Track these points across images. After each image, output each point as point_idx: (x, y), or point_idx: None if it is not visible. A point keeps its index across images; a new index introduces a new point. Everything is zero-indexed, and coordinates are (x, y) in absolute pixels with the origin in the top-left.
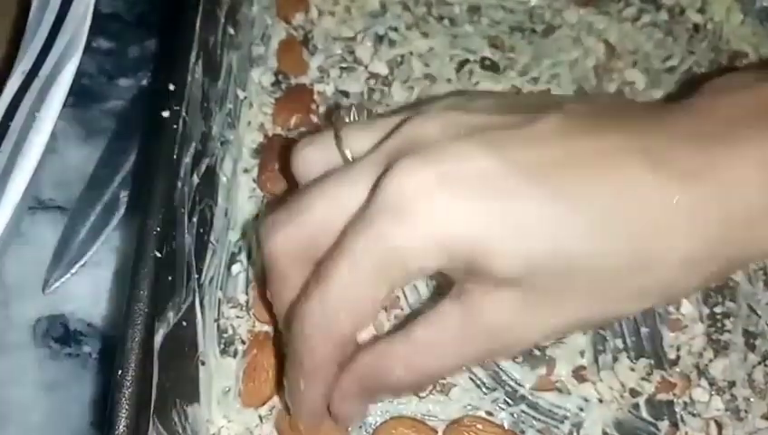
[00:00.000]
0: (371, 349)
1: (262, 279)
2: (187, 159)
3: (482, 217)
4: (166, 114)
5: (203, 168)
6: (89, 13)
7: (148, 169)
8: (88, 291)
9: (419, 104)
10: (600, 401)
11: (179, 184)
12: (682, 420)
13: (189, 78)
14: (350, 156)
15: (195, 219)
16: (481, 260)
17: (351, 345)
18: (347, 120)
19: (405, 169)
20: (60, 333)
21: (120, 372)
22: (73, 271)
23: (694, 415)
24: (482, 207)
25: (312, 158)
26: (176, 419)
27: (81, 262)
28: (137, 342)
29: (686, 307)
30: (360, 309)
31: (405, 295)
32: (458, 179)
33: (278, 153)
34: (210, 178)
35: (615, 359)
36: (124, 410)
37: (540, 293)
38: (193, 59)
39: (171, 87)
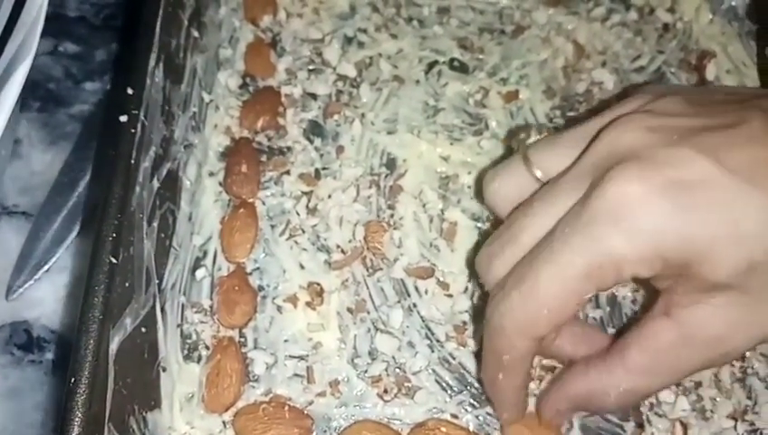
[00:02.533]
0: (584, 374)
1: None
2: (147, 164)
3: (701, 224)
4: (123, 118)
5: (164, 172)
6: (41, 16)
7: (105, 174)
8: (52, 297)
9: (599, 111)
10: None
11: (138, 189)
12: (648, 421)
13: (149, 81)
14: (540, 176)
15: (155, 224)
16: (697, 267)
17: (547, 341)
18: (529, 142)
19: (624, 176)
20: (23, 340)
21: (72, 380)
22: (37, 277)
23: (660, 415)
24: (702, 213)
25: (504, 187)
26: (134, 426)
27: (46, 268)
28: (90, 349)
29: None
30: (562, 308)
31: (371, 298)
32: (678, 186)
33: (245, 156)
34: (172, 182)
35: None
36: (77, 419)
37: (755, 294)
38: (153, 62)
39: (129, 91)
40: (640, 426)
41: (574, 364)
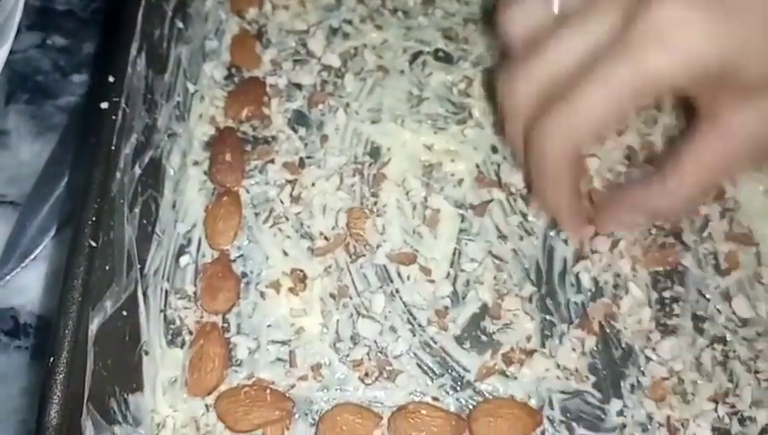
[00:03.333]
0: (645, 186)
1: None
2: (128, 151)
3: (739, 32)
4: (104, 105)
5: (146, 159)
6: (19, 5)
7: (85, 160)
8: (38, 284)
9: None
10: (547, 385)
11: (119, 175)
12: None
13: (130, 70)
14: (557, 10)
15: (137, 210)
16: (735, 74)
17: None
18: None
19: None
20: (10, 326)
21: (51, 359)
22: (24, 264)
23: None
24: (739, 20)
25: (521, 15)
26: (114, 407)
27: (32, 256)
28: (69, 330)
29: (635, 291)
30: (605, 123)
31: (354, 284)
32: (710, 3)
33: (230, 145)
34: (155, 169)
35: (561, 343)
36: (55, 397)
37: None
38: (134, 51)
39: (110, 79)
40: (620, 410)
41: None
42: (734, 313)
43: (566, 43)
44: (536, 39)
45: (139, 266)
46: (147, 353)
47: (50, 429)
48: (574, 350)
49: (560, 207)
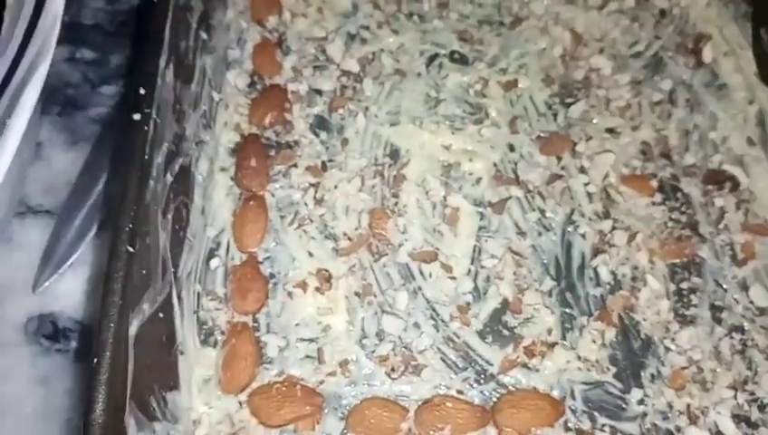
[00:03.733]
0: None
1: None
2: (159, 160)
3: None
4: (137, 117)
5: (176, 167)
6: (57, 23)
7: (120, 169)
8: (75, 289)
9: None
10: (569, 376)
11: (152, 183)
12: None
13: (159, 82)
14: None
15: (169, 216)
16: None
17: None
18: None
19: None
20: (50, 331)
21: (95, 360)
22: (61, 271)
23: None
24: None
25: None
26: (154, 405)
27: (69, 262)
28: (111, 331)
29: (653, 283)
30: None
31: (378, 282)
32: None
33: (254, 151)
34: (185, 176)
35: (581, 335)
36: (100, 396)
37: None
38: (163, 64)
39: (141, 91)
40: (641, 400)
41: None
42: (751, 302)
43: None
44: None
45: (173, 270)
46: (182, 353)
47: (96, 426)
48: (594, 341)
49: None
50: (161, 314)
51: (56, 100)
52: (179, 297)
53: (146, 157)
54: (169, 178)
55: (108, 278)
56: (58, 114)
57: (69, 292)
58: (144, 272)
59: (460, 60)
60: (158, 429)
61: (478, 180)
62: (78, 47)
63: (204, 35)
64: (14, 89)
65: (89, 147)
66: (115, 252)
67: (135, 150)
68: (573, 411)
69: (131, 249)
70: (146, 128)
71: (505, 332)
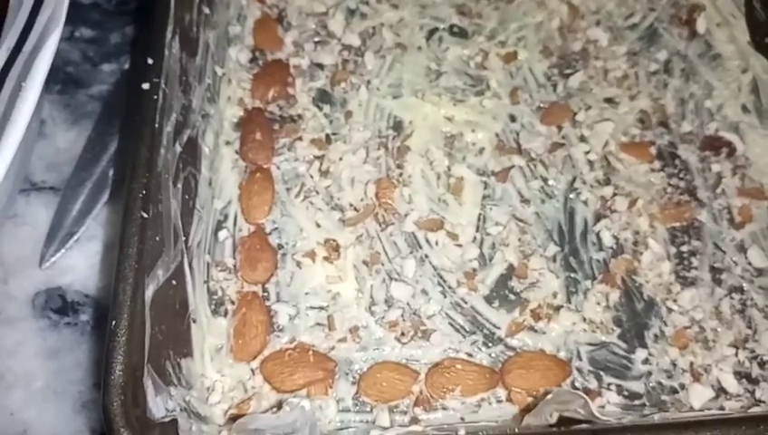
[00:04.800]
0: None
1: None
2: (169, 129)
3: None
4: (146, 86)
5: (185, 138)
6: None
7: (132, 136)
8: (82, 264)
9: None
10: (575, 338)
11: (162, 151)
12: (652, 354)
13: (167, 52)
14: None
15: (179, 186)
16: None
17: None
18: None
19: None
20: (58, 305)
21: (113, 322)
22: (68, 246)
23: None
24: None
25: None
26: (170, 370)
27: (75, 237)
28: (128, 294)
29: (654, 247)
30: None
31: (385, 251)
32: None
33: (258, 124)
34: (192, 148)
35: (585, 298)
36: (119, 357)
37: None
38: (169, 35)
39: (150, 61)
40: (646, 359)
41: None
42: (749, 263)
43: None
44: None
45: (183, 239)
46: (194, 321)
47: (116, 386)
48: (599, 304)
49: None
50: (174, 282)
51: (57, 78)
52: (191, 266)
53: (156, 125)
54: (178, 147)
55: (123, 243)
56: (59, 92)
57: (76, 266)
58: (158, 238)
59: (460, 33)
60: (174, 393)
61: (481, 150)
62: (77, 26)
63: (206, 10)
64: (28, 54)
65: (90, 124)
66: (130, 217)
67: (145, 119)
68: (580, 371)
69: (145, 215)
70: (155, 97)
71: (512, 296)
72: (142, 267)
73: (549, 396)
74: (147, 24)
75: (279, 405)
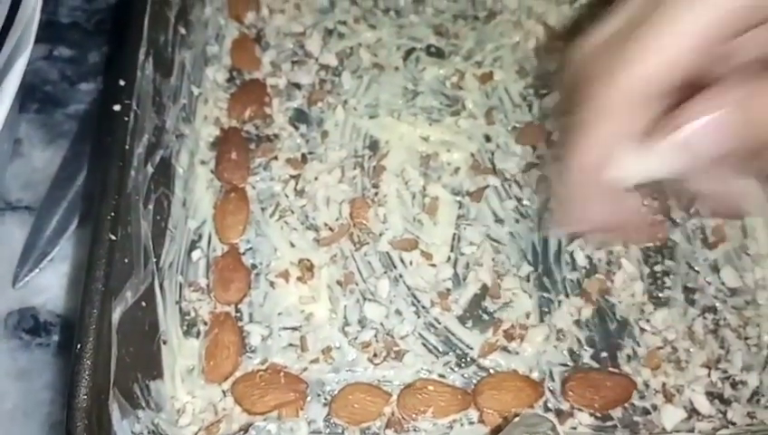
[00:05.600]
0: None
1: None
2: (140, 150)
3: None
4: (117, 108)
5: (157, 159)
6: (36, 12)
7: (101, 158)
8: (56, 284)
9: None
10: (547, 358)
11: (133, 173)
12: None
13: (139, 74)
14: None
15: (150, 207)
16: None
17: (652, 103)
18: None
19: None
20: (30, 325)
21: (78, 345)
22: (42, 266)
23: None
24: None
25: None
26: (138, 392)
27: (49, 257)
28: (94, 317)
29: (628, 267)
30: (685, 47)
31: (359, 270)
32: None
33: (234, 144)
34: (165, 168)
35: (559, 307)
36: (84, 381)
37: None
38: (142, 56)
39: (121, 82)
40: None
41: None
42: (722, 283)
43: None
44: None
45: (154, 260)
46: (165, 343)
47: (80, 410)
48: (571, 315)
49: (592, 139)
50: (144, 304)
51: (34, 97)
52: (162, 287)
53: (126, 147)
54: (150, 169)
55: (91, 265)
56: (36, 111)
57: (49, 286)
58: (126, 260)
59: (436, 53)
60: (142, 416)
61: (456, 170)
62: (55, 45)
63: (182, 30)
64: None
65: (67, 143)
66: (98, 239)
67: (116, 140)
68: (552, 392)
69: (113, 237)
70: (126, 118)
71: (485, 316)
72: (109, 290)
73: (516, 419)
74: (119, 45)
75: (247, 429)
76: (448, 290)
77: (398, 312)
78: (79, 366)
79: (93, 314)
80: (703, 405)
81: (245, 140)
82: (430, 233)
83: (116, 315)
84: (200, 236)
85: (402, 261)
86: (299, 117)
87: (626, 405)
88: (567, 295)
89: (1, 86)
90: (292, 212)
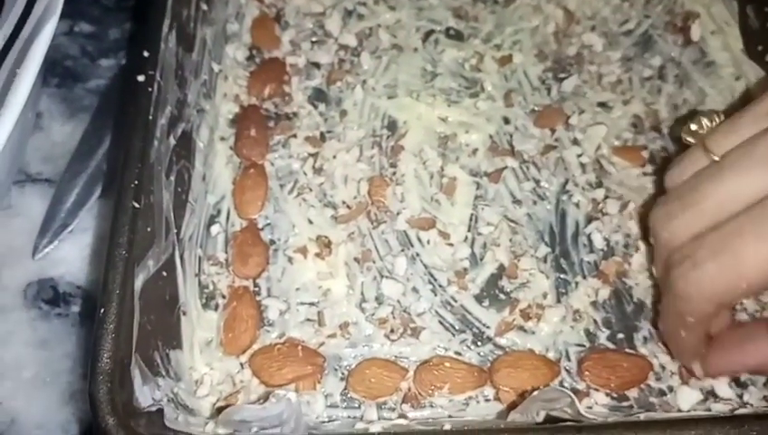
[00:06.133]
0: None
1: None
2: (163, 121)
3: None
4: (141, 78)
5: (179, 131)
6: None
7: (125, 127)
8: (75, 255)
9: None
10: (564, 338)
11: (156, 143)
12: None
13: (163, 46)
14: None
15: (172, 178)
16: None
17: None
18: (704, 130)
19: None
20: (50, 296)
21: (101, 310)
22: (61, 238)
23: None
24: None
25: (683, 170)
26: (158, 360)
27: (69, 229)
28: (117, 283)
29: (645, 249)
30: (762, 283)
31: (376, 248)
32: None
33: (254, 121)
34: (187, 141)
35: (576, 288)
36: (107, 344)
37: None
38: (166, 29)
39: (146, 53)
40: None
41: (753, 331)
42: None
43: (724, 187)
44: (693, 183)
45: (175, 231)
46: (185, 314)
47: (103, 373)
48: (588, 296)
49: (684, 346)
50: (164, 274)
51: (55, 72)
52: (182, 259)
53: (150, 117)
54: (172, 140)
55: (114, 232)
56: (57, 86)
57: (68, 258)
58: (149, 229)
59: (456, 36)
60: (162, 384)
61: (474, 151)
62: (77, 21)
63: (204, 6)
64: (23, 42)
65: (87, 118)
66: (121, 207)
67: (139, 110)
68: (568, 372)
69: (137, 205)
70: (150, 89)
71: (502, 296)
72: (132, 257)
73: (535, 393)
74: (143, 17)
75: (266, 398)
76: (465, 269)
77: (415, 290)
78: (102, 330)
79: (117, 279)
80: (720, 387)
81: (264, 118)
82: (448, 213)
83: (138, 283)
84: (219, 212)
85: (419, 240)
86: (318, 96)
87: (642, 386)
88: (584, 277)
89: (28, 53)
90: (311, 189)
